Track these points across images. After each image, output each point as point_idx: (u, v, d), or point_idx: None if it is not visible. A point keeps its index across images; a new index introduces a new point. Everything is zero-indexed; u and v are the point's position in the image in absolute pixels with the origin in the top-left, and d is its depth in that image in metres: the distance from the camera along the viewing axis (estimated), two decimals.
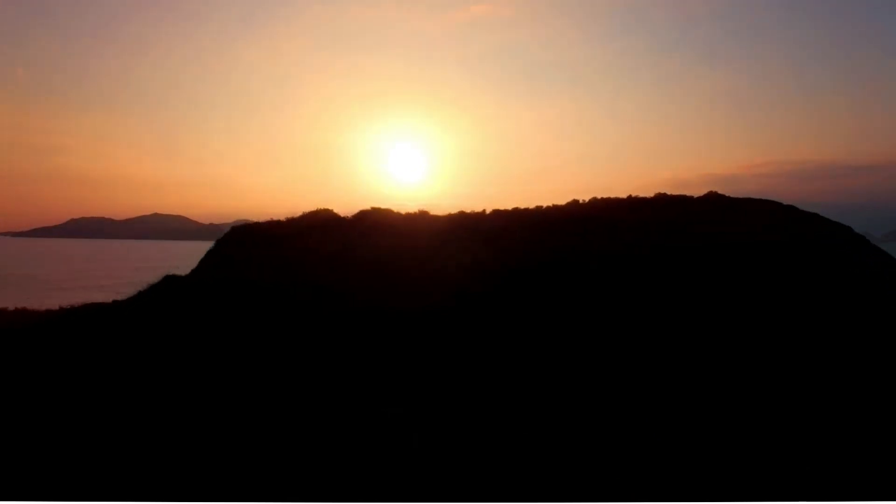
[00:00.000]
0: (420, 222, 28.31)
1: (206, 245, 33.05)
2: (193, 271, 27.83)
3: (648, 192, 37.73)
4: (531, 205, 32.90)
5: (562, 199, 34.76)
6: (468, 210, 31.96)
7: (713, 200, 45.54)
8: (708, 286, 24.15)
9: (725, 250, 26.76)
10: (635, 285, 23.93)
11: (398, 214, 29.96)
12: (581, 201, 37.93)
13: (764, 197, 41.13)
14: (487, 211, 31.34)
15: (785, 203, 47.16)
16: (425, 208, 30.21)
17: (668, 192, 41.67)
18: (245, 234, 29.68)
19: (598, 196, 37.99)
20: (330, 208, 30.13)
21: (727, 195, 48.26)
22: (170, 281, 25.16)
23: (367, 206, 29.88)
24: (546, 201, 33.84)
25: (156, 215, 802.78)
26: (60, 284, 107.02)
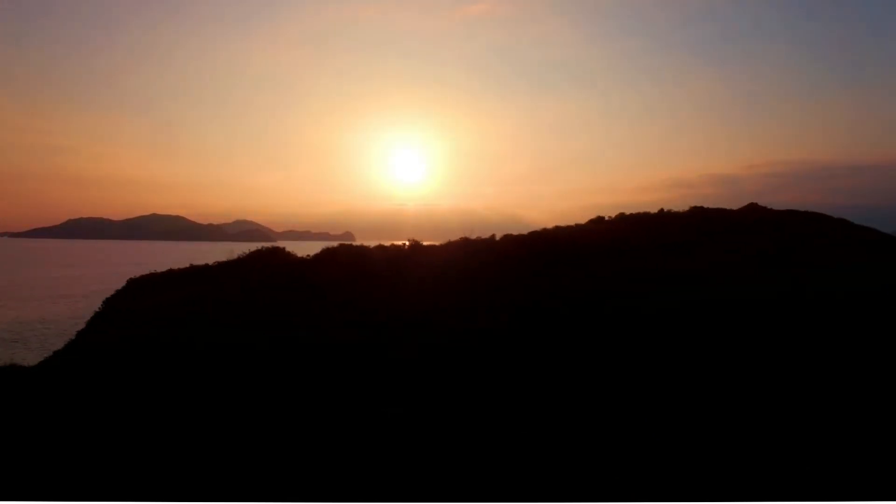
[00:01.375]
0: (408, 261, 21.69)
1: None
2: (71, 343, 21.18)
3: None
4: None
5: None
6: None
7: (755, 214, 39.98)
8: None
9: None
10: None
11: (377, 252, 23.41)
12: (607, 218, 31.59)
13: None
14: (498, 236, 25.10)
15: (832, 215, 42.30)
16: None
17: (705, 206, 35.69)
18: (146, 284, 22.80)
19: (627, 212, 31.66)
20: (282, 246, 24.36)
21: (768, 207, 43.21)
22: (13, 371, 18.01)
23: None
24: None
25: (154, 216, 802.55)
26: (36, 293, 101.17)
